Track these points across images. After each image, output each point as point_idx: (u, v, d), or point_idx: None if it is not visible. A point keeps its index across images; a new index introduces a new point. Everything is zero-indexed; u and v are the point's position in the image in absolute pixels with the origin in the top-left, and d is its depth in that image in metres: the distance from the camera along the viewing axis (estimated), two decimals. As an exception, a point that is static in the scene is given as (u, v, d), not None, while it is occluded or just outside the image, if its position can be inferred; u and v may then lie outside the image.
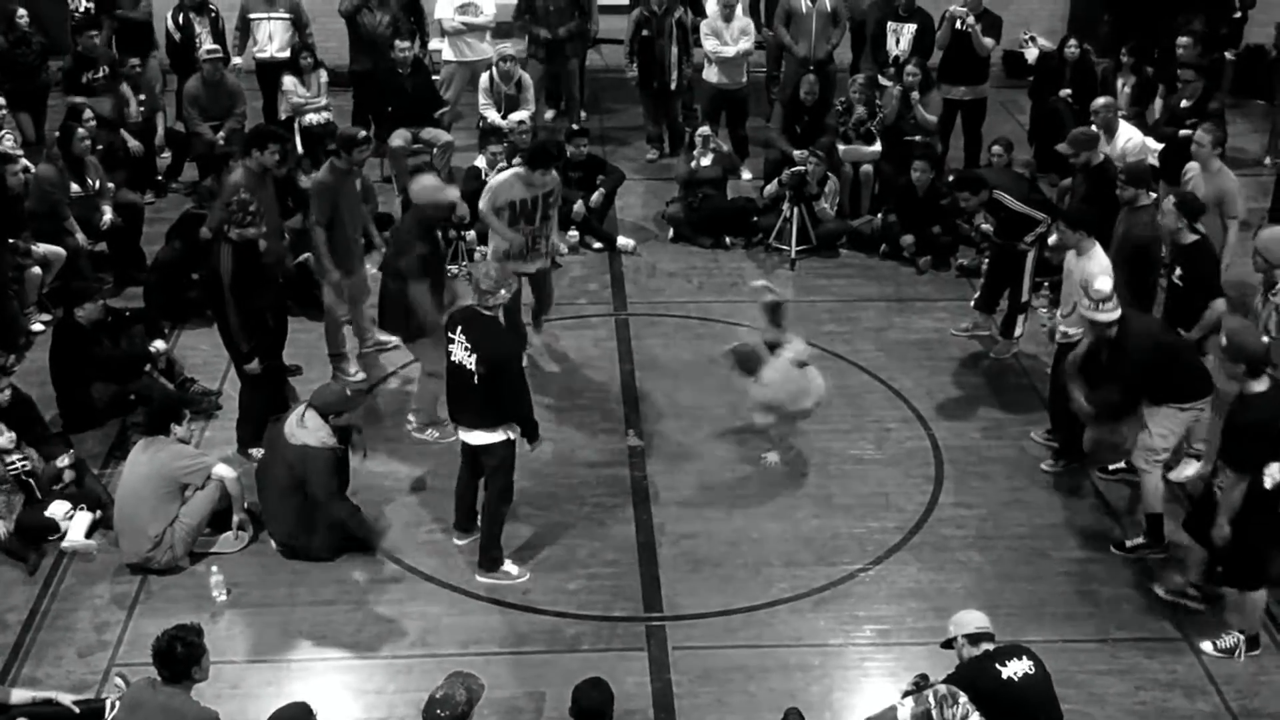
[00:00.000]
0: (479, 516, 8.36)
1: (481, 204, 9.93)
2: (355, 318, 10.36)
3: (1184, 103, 12.09)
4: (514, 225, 9.87)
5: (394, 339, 10.16)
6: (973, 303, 11.19)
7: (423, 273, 8.96)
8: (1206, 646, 7.71)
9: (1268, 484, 7.22)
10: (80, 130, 11.45)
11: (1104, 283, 8.36)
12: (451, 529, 8.53)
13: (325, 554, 8.36)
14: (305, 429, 8.20)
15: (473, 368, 7.69)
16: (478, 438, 7.95)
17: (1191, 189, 9.80)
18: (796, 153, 12.75)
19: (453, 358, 7.86)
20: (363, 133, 10.50)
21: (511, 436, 7.95)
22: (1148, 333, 8.27)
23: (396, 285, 9.13)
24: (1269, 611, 7.91)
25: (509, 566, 8.23)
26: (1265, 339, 7.68)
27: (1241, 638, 7.67)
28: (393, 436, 9.60)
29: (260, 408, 9.28)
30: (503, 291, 7.90)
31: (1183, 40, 13.04)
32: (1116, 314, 8.21)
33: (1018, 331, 10.71)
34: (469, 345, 7.74)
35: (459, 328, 7.83)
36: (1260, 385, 7.25)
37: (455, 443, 8.49)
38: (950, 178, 12.78)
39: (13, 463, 8.54)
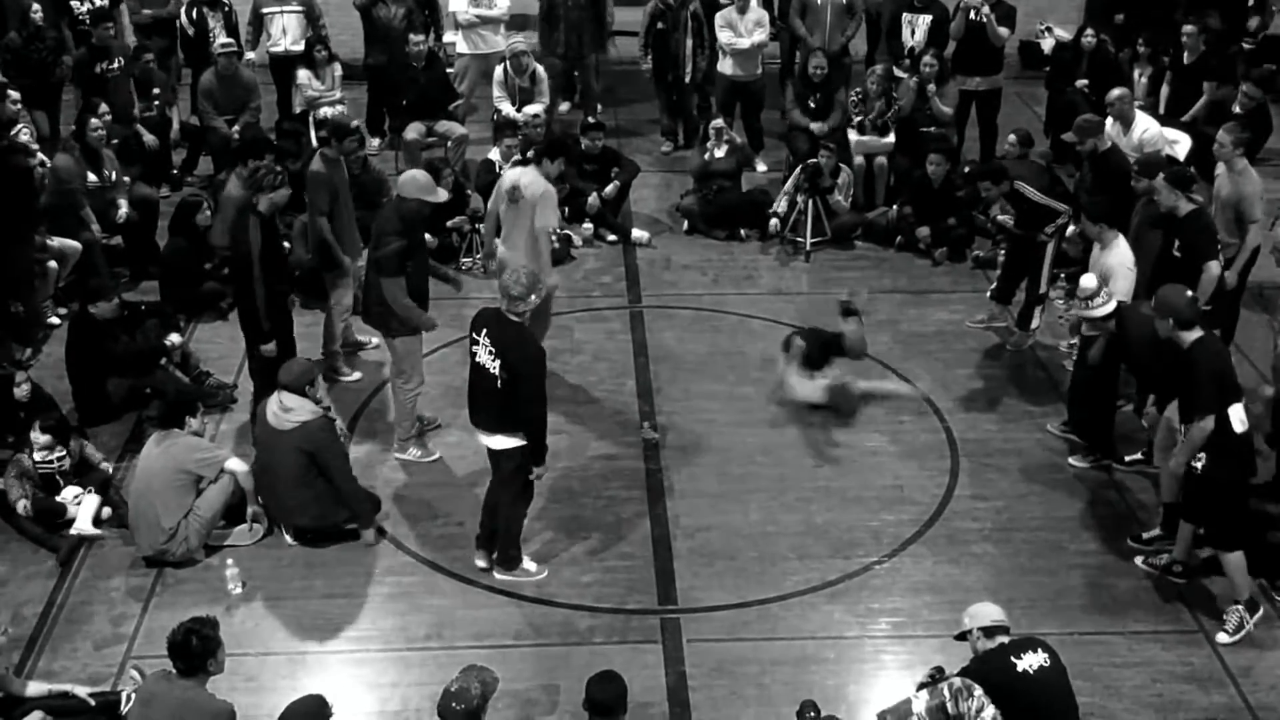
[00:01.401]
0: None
1: (553, 220, 9.63)
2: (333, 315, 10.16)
3: (1236, 109, 12.06)
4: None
5: (374, 339, 10.17)
6: (989, 294, 11.17)
7: (399, 269, 8.69)
8: (1221, 637, 7.69)
9: (1238, 427, 7.41)
10: (94, 120, 11.48)
11: (1088, 280, 8.48)
12: (473, 541, 8.32)
13: (369, 518, 8.43)
14: (290, 410, 8.23)
15: (496, 372, 7.56)
16: (498, 442, 7.80)
17: (1216, 188, 9.80)
18: (814, 125, 12.78)
19: (476, 359, 7.71)
20: (355, 122, 10.52)
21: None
22: (1143, 323, 8.25)
23: (377, 279, 8.86)
24: (1287, 603, 7.96)
25: (527, 564, 8.19)
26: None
27: (1241, 608, 7.68)
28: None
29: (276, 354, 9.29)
30: (533, 297, 7.66)
31: (1187, 29, 12.97)
32: (1108, 309, 8.31)
33: (1034, 323, 10.69)
34: (494, 350, 7.61)
35: (484, 330, 7.68)
36: (1194, 334, 7.50)
37: (462, 442, 8.49)
38: (966, 169, 12.81)
39: (49, 461, 8.61)
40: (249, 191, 9.03)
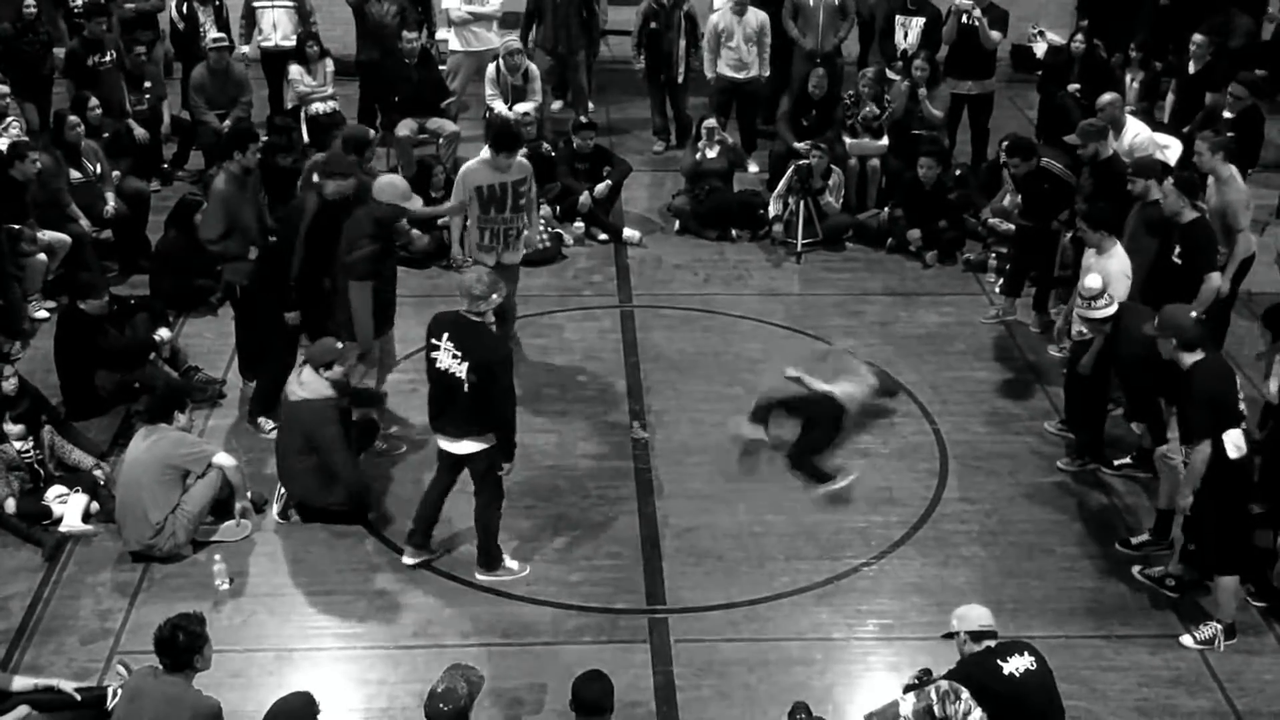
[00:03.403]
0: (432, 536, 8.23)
1: (452, 198, 10.06)
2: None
3: (1227, 114, 12.03)
4: (484, 212, 9.76)
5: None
6: (998, 288, 11.25)
7: (371, 272, 8.64)
8: (1186, 640, 7.71)
9: (1232, 454, 7.28)
10: (71, 118, 11.46)
11: (1093, 280, 8.42)
12: (406, 542, 8.24)
13: (344, 506, 8.48)
14: (301, 385, 8.35)
15: (462, 375, 7.45)
16: (465, 446, 7.71)
17: (1206, 196, 9.80)
18: (800, 145, 12.74)
19: (438, 365, 7.56)
20: (372, 133, 10.70)
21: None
22: (1139, 328, 8.24)
23: (346, 283, 8.80)
24: (1274, 610, 7.93)
25: (509, 563, 8.15)
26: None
27: (1219, 628, 7.66)
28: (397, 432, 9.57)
29: (276, 378, 9.24)
30: (494, 296, 7.58)
31: (1197, 39, 12.97)
32: (1109, 311, 8.27)
33: (1051, 305, 10.83)
34: (458, 353, 7.49)
35: (444, 334, 7.55)
36: (1194, 356, 7.42)
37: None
38: (957, 172, 12.83)
39: (26, 451, 8.62)
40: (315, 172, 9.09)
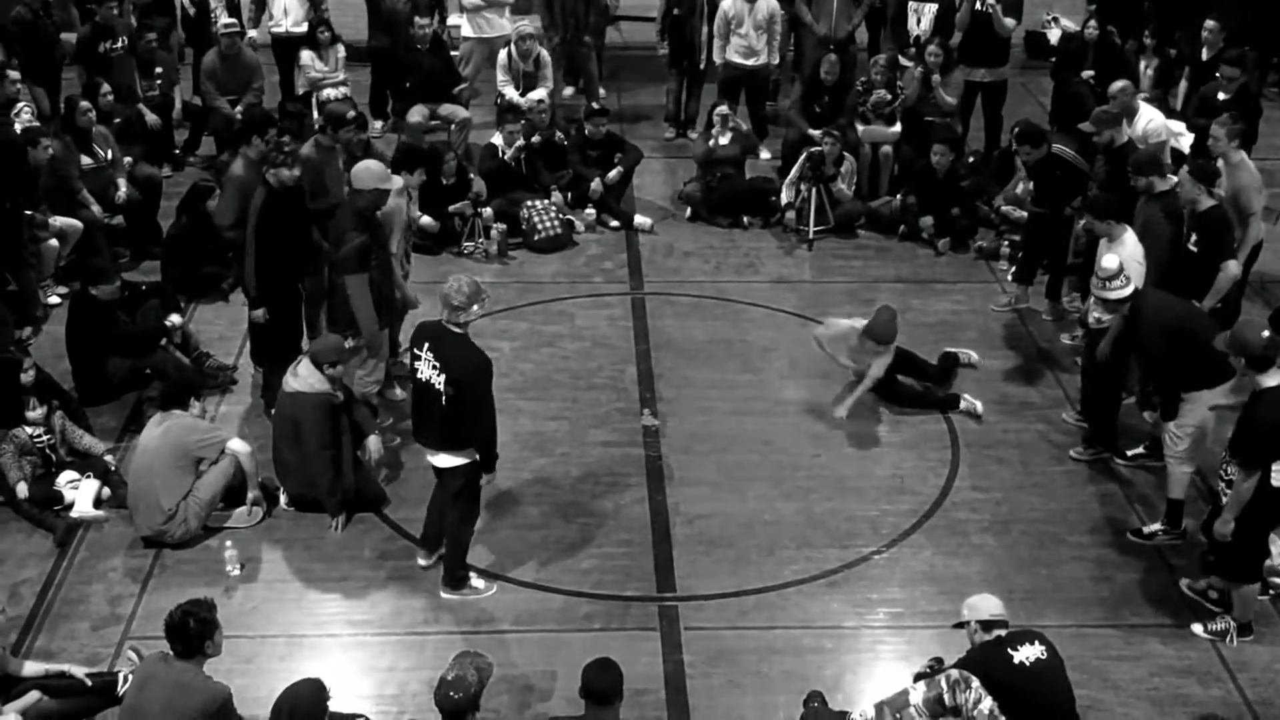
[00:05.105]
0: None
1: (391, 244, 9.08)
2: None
3: (1221, 95, 11.90)
4: (407, 242, 9.43)
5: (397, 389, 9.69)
6: (1010, 276, 11.24)
7: (361, 265, 8.53)
8: (1197, 628, 7.69)
9: (1275, 481, 7.12)
10: (82, 104, 11.45)
11: (1110, 260, 8.31)
12: (419, 545, 8.21)
13: (333, 509, 8.41)
14: (297, 377, 8.30)
15: (440, 387, 7.29)
16: (443, 460, 7.55)
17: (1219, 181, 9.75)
18: (814, 132, 12.70)
19: (419, 375, 7.43)
20: (351, 112, 10.65)
21: (478, 459, 7.58)
22: (1160, 313, 8.18)
23: (340, 280, 8.69)
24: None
25: (475, 581, 7.95)
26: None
27: (1234, 624, 7.63)
28: (404, 428, 9.51)
29: (269, 330, 9.30)
30: (475, 308, 7.37)
31: (1209, 25, 12.88)
32: (1126, 291, 8.17)
33: (1064, 293, 10.81)
34: (437, 364, 7.32)
35: (425, 344, 7.40)
36: (1271, 380, 7.12)
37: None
38: (970, 160, 12.78)
39: (39, 435, 8.64)
40: (263, 160, 9.14)
